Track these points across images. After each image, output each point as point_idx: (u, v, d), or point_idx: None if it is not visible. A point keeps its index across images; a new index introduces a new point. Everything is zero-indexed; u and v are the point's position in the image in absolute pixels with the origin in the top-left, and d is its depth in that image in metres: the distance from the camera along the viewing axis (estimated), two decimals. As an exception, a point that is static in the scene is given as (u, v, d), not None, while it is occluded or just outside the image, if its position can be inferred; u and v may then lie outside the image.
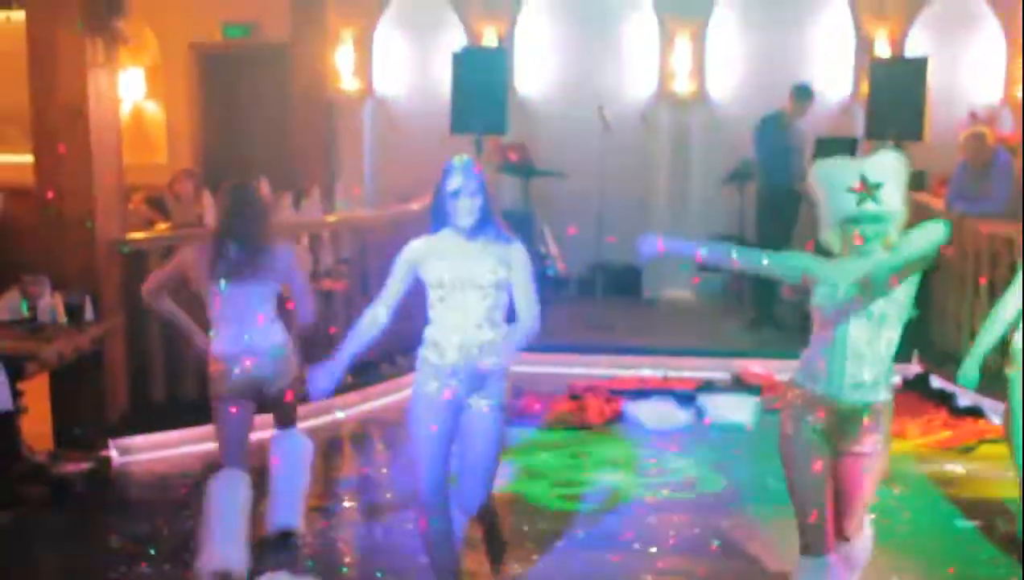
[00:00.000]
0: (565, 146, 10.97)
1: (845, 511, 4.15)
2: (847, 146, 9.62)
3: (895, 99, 9.33)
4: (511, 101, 10.41)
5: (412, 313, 4.54)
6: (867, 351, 3.97)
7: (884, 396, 4.08)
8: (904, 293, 3.96)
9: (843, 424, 4.02)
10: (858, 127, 10.55)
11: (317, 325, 5.53)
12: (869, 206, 3.86)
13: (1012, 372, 5.20)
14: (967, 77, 11.20)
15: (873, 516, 5.83)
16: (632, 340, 9.23)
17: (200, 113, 11.92)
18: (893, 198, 3.89)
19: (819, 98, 10.02)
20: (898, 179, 3.92)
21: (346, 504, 6.07)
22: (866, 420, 4.03)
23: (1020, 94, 11.11)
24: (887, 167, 3.93)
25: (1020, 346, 5.16)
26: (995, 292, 8.04)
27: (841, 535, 4.17)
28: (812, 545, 4.05)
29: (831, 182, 3.98)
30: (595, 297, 10.42)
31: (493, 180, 10.49)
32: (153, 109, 11.88)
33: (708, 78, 11.48)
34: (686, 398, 7.82)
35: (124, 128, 9.96)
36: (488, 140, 10.11)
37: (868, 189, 3.87)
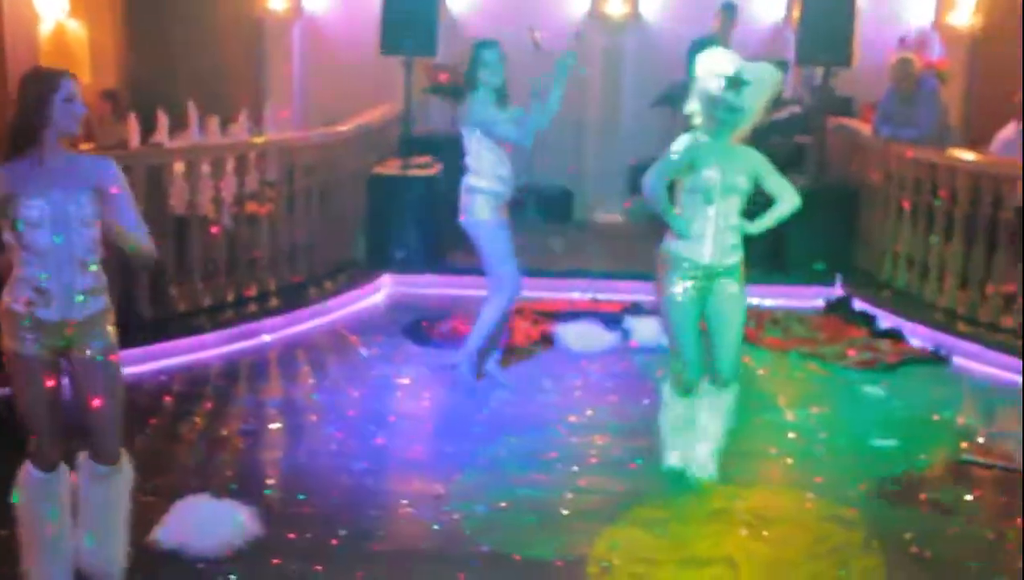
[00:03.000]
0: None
1: None
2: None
3: (825, 24, 9.30)
4: (442, 22, 10.26)
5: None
6: None
7: None
8: None
9: None
10: (791, 52, 10.56)
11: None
12: (729, 96, 4.72)
13: None
14: (898, 2, 11.25)
15: (792, 435, 5.98)
16: (562, 263, 9.24)
17: (125, 32, 11.60)
18: (752, 100, 4.78)
19: (752, 22, 9.99)
20: (762, 88, 4.81)
21: (271, 427, 6.04)
22: None
23: (951, 20, 11.20)
24: (759, 75, 4.81)
25: None
26: (918, 217, 8.18)
27: None
28: None
29: (710, 64, 4.82)
30: (526, 219, 10.39)
31: (422, 101, 10.39)
32: (76, 27, 11.54)
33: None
34: (613, 320, 7.89)
35: (45, 47, 9.77)
36: (418, 62, 9.97)
37: (734, 83, 4.72)
